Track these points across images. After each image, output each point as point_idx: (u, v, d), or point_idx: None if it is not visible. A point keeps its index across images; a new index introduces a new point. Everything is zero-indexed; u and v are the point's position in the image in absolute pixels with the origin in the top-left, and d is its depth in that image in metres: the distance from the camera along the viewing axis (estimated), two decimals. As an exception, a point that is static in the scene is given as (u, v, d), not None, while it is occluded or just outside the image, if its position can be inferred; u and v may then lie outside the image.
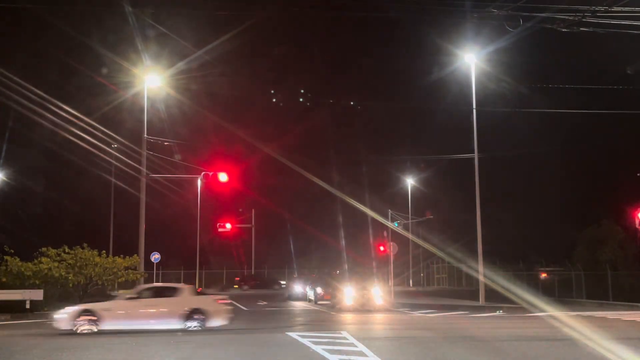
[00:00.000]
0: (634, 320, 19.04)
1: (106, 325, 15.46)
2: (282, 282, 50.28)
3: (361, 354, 11.16)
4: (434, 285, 52.43)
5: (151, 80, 28.59)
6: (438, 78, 32.87)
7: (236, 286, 49.18)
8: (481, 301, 27.32)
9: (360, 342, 12.67)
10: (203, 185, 49.06)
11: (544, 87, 40.16)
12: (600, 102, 39.45)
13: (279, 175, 54.23)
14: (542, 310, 23.36)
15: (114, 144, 46.64)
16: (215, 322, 16.07)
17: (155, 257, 39.08)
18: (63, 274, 22.82)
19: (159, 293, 16.82)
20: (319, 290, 29.81)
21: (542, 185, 51.45)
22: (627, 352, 11.24)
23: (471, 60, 28.13)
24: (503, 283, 29.62)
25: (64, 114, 25.87)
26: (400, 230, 41.11)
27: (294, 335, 14.05)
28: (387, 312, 23.95)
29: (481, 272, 27.89)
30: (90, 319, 15.38)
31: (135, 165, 28.97)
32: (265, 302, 31.41)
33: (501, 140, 47.50)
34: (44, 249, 23.72)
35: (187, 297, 16.37)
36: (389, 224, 39.04)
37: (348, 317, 20.94)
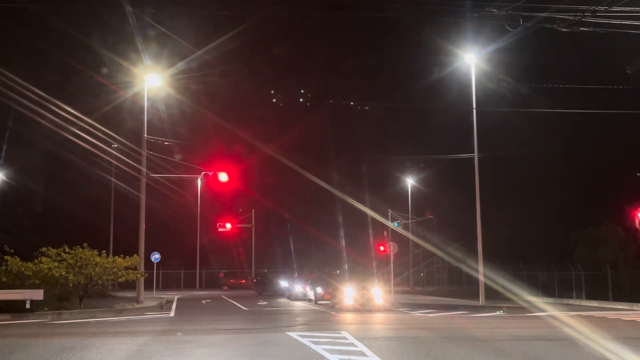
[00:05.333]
0: (633, 320, 19.05)
1: None
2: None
3: (361, 353, 11.15)
4: (434, 285, 52.39)
5: (151, 80, 28.64)
6: (438, 78, 32.95)
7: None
8: (481, 301, 27.32)
9: (360, 342, 12.67)
10: (203, 185, 49.18)
11: (544, 87, 40.20)
12: (600, 102, 39.51)
13: (279, 175, 54.32)
14: (542, 310, 23.40)
15: (114, 144, 46.71)
16: None
17: (155, 257, 39.09)
18: (63, 273, 22.78)
19: None
20: (319, 290, 29.79)
21: (543, 185, 51.43)
22: (627, 352, 11.25)
23: (471, 60, 28.14)
24: (503, 283, 29.64)
25: (64, 114, 25.87)
26: (400, 230, 41.14)
27: (294, 335, 14.05)
28: (387, 312, 23.95)
29: (481, 272, 27.89)
30: None
31: (135, 165, 29.01)
32: (265, 302, 31.46)
33: (501, 140, 47.50)
34: (44, 249, 23.68)
35: None
36: (389, 223, 39.08)
37: (348, 317, 20.93)
